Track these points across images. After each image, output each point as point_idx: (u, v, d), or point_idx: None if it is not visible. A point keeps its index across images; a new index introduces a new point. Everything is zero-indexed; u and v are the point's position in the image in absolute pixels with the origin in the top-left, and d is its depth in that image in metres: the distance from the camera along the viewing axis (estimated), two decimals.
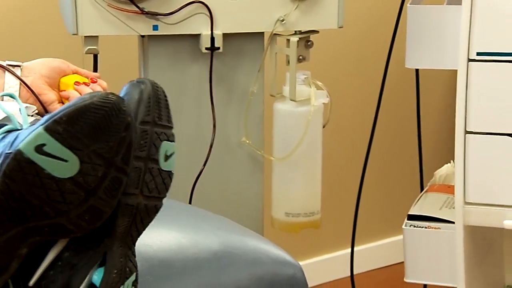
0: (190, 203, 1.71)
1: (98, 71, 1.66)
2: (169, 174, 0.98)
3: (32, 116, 1.12)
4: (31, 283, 0.92)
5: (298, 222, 1.78)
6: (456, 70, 1.71)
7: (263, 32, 1.72)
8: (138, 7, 1.60)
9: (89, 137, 0.88)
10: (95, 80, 1.26)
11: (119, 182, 0.91)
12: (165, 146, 0.97)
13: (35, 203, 0.88)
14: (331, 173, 2.24)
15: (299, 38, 1.70)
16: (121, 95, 0.96)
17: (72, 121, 0.87)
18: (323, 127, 1.77)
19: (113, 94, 0.90)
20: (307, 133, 1.72)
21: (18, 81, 1.20)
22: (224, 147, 1.74)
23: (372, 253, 2.54)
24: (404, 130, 2.46)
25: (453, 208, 1.80)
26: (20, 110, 0.99)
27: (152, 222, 0.99)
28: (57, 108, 0.92)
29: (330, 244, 2.47)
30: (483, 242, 1.90)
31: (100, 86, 1.26)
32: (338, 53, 2.35)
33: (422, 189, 2.20)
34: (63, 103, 1.23)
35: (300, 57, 1.72)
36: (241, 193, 1.78)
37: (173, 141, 0.98)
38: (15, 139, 0.89)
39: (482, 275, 1.91)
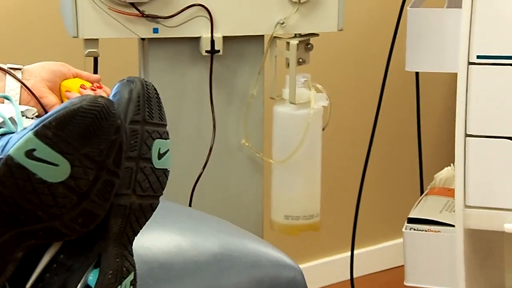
0: (190, 205, 1.71)
1: (98, 74, 1.66)
2: (164, 171, 0.98)
3: (32, 118, 1.13)
4: (28, 286, 0.92)
5: (297, 225, 1.78)
6: (456, 73, 1.71)
7: (263, 35, 1.72)
8: (138, 10, 1.60)
9: (79, 141, 0.88)
10: (101, 86, 1.26)
11: (111, 184, 0.91)
12: (158, 144, 0.96)
13: (27, 208, 0.88)
14: (330, 176, 2.24)
15: (299, 41, 1.70)
16: (112, 94, 0.96)
17: (61, 125, 0.87)
18: (323, 130, 1.77)
19: (102, 97, 0.89)
20: (306, 135, 1.72)
21: (19, 84, 1.20)
22: (224, 149, 1.74)
23: (372, 256, 2.53)
24: (404, 133, 2.46)
25: (453, 211, 1.80)
26: (16, 113, 0.99)
27: (152, 225, 0.99)
28: None
29: (330, 247, 2.47)
30: (483, 246, 1.90)
31: (105, 93, 1.25)
32: (338, 56, 2.35)
33: (422, 192, 2.20)
34: None
35: (300, 60, 1.72)
36: (240, 196, 1.78)
37: (166, 138, 0.98)
38: (7, 143, 0.89)
39: (482, 278, 1.91)
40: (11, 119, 0.98)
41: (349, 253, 2.20)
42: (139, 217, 0.96)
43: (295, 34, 1.71)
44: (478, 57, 1.68)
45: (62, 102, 1.24)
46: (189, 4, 1.63)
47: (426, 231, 1.83)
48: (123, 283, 0.94)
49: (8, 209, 0.88)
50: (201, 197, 1.72)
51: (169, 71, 1.70)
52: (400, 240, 1.90)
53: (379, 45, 2.23)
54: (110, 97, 0.96)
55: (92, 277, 0.91)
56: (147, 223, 0.98)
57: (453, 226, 1.79)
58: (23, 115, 1.06)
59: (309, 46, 1.73)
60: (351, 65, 2.38)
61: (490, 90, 1.69)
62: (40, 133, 0.87)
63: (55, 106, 1.22)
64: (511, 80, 1.68)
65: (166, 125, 0.99)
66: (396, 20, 2.00)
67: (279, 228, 1.79)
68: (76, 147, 0.88)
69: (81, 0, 1.58)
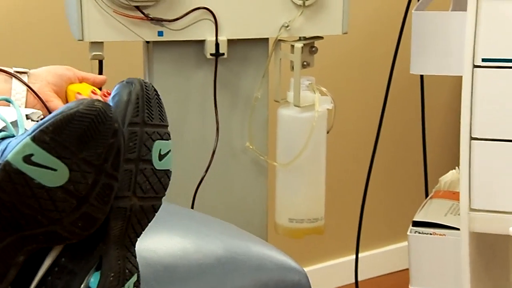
0: (192, 208, 1.71)
1: None
2: (166, 172, 0.97)
3: (37, 121, 1.13)
4: None
5: (301, 228, 1.78)
6: (461, 76, 1.70)
7: (267, 38, 1.72)
8: (143, 13, 1.60)
9: (77, 145, 0.88)
10: (110, 93, 1.26)
11: (110, 188, 0.91)
12: (159, 145, 0.96)
13: (27, 213, 0.88)
14: (335, 179, 2.24)
15: (304, 44, 1.70)
16: (111, 96, 0.96)
17: (58, 130, 0.87)
18: (327, 132, 1.77)
19: (99, 101, 0.89)
20: (311, 138, 1.72)
21: (25, 88, 1.20)
22: (228, 152, 1.74)
23: (377, 260, 2.53)
24: (409, 136, 2.46)
25: (458, 214, 1.79)
26: (17, 116, 0.99)
27: (157, 228, 0.98)
28: None
29: (334, 250, 2.47)
30: (488, 249, 1.90)
31: None
32: (342, 59, 2.34)
33: (427, 195, 2.19)
34: None
35: (305, 63, 1.72)
36: (245, 199, 1.78)
37: (168, 139, 0.97)
38: (5, 148, 0.89)
39: (487, 281, 1.91)
40: (15, 122, 0.98)
41: (353, 256, 2.20)
42: (140, 218, 0.95)
43: (300, 37, 1.71)
44: (483, 60, 1.68)
45: None
46: (194, 7, 1.63)
47: (431, 234, 1.83)
48: (126, 284, 0.94)
49: (8, 214, 0.88)
50: (205, 200, 1.72)
51: (174, 74, 1.70)
52: (405, 243, 1.89)
53: (383, 48, 2.23)
54: (110, 99, 0.96)
55: (93, 279, 0.91)
56: (151, 225, 0.98)
57: (458, 229, 1.78)
58: (28, 118, 1.06)
59: (313, 49, 1.73)
60: (355, 68, 2.38)
61: (495, 93, 1.69)
62: (38, 138, 0.87)
63: None
64: None
65: (167, 125, 0.98)
66: (400, 23, 2.00)
67: (283, 231, 1.79)
68: (74, 151, 0.88)
69: (86, 3, 1.59)
